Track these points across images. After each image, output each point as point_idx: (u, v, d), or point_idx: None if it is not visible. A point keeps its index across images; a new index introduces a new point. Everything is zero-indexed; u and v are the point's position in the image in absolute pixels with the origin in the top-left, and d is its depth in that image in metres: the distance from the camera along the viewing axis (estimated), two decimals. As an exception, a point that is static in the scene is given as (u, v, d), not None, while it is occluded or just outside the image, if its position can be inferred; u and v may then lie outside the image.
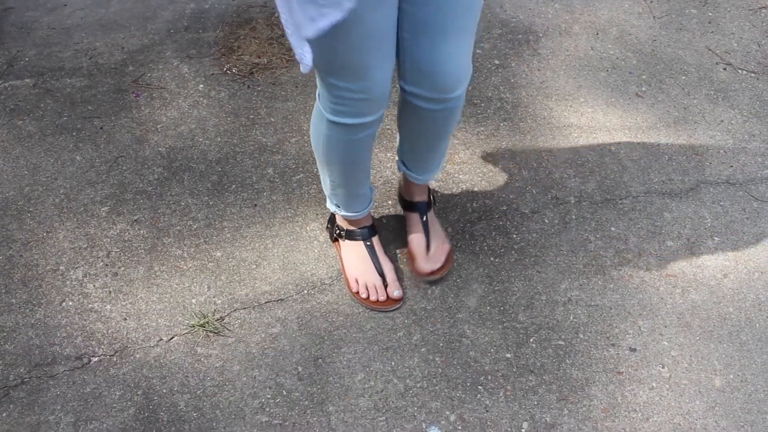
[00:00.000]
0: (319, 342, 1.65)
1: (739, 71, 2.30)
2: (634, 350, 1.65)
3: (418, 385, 1.59)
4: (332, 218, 1.79)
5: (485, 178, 1.97)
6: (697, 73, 2.28)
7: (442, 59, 1.36)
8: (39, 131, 2.08)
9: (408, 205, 1.77)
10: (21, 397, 1.56)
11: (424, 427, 1.53)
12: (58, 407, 1.55)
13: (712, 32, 2.43)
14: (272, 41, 2.35)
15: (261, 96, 2.18)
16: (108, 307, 1.71)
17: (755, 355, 1.65)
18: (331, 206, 1.71)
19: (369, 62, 1.30)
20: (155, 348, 1.64)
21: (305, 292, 1.73)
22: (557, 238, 1.85)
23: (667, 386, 1.59)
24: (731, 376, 1.61)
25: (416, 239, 1.75)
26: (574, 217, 1.89)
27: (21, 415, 1.53)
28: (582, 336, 1.67)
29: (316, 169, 1.97)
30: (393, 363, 1.62)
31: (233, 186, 1.94)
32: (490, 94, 2.19)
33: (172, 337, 1.66)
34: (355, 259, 1.72)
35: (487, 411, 1.55)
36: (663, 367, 1.62)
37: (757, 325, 1.70)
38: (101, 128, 2.09)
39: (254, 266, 1.78)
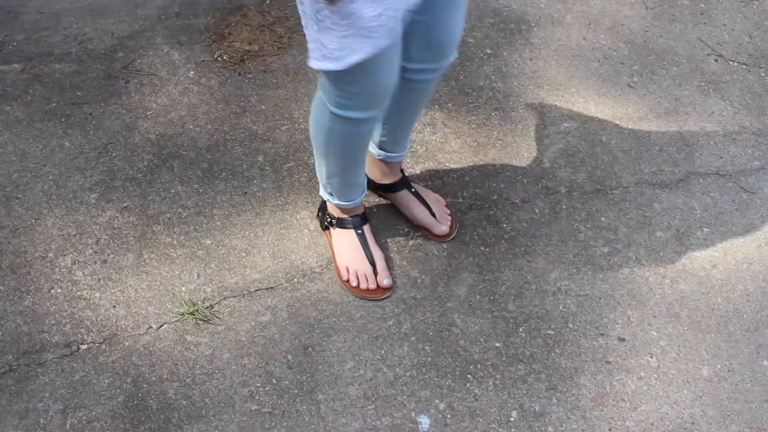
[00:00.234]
0: (308, 330, 1.65)
1: (731, 63, 2.30)
2: (623, 340, 1.66)
3: (408, 373, 1.59)
4: (323, 206, 1.78)
5: (476, 167, 1.97)
6: (689, 64, 2.28)
7: (456, 29, 1.40)
8: (27, 117, 2.06)
9: (392, 187, 1.79)
10: (9, 384, 1.55)
11: (413, 415, 1.53)
12: (47, 395, 1.54)
13: (704, 23, 2.43)
14: (263, 28, 2.34)
15: (252, 83, 2.17)
16: (97, 294, 1.70)
17: (742, 345, 1.66)
18: (324, 194, 1.70)
19: (382, 63, 1.29)
20: (144, 336, 1.63)
21: (295, 280, 1.73)
22: (547, 228, 1.85)
23: (656, 376, 1.60)
24: (719, 366, 1.62)
25: (419, 212, 1.79)
26: (564, 207, 1.90)
27: (9, 403, 1.53)
28: (571, 326, 1.68)
29: (307, 157, 1.97)
30: (383, 352, 1.62)
31: (223, 173, 1.94)
32: (481, 84, 2.18)
33: (162, 325, 1.65)
34: (347, 248, 1.72)
35: (476, 400, 1.55)
36: (651, 357, 1.63)
37: (745, 315, 1.71)
38: (90, 114, 2.07)
39: (244, 254, 1.77)
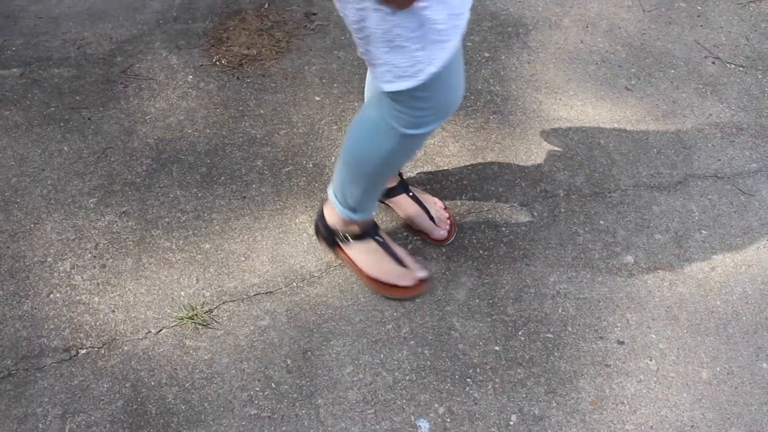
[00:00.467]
0: (308, 335, 1.65)
1: (728, 65, 2.30)
2: (622, 343, 1.66)
3: (407, 377, 1.59)
4: (325, 225, 1.70)
5: (474, 170, 1.97)
6: (686, 66, 2.29)
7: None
8: (26, 122, 2.06)
9: (390, 191, 1.79)
10: (8, 389, 1.55)
11: (412, 419, 1.53)
12: (46, 399, 1.54)
13: (701, 26, 2.43)
14: (261, 32, 2.34)
15: (250, 87, 2.17)
16: (96, 299, 1.70)
17: (742, 348, 1.66)
18: (344, 213, 1.61)
19: (454, 67, 1.25)
20: (143, 340, 1.63)
21: (294, 284, 1.73)
22: (546, 231, 1.85)
23: (655, 379, 1.60)
24: (718, 369, 1.62)
25: (417, 216, 1.78)
26: (562, 210, 1.90)
27: (8, 408, 1.53)
28: (570, 329, 1.68)
29: (305, 161, 1.97)
30: (382, 356, 1.62)
31: (222, 178, 1.94)
32: (479, 87, 2.19)
33: (161, 330, 1.65)
34: (372, 258, 1.69)
35: (475, 404, 1.55)
36: (650, 360, 1.63)
37: (744, 318, 1.71)
38: (89, 119, 2.07)
39: (243, 258, 1.77)
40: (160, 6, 2.44)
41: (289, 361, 1.61)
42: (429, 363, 1.61)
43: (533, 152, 2.02)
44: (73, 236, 1.81)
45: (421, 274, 1.69)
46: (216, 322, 1.66)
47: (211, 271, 1.75)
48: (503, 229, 1.85)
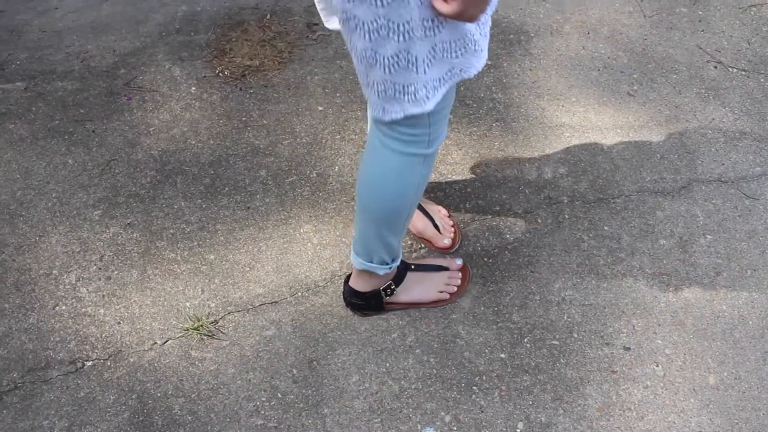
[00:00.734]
0: (313, 344, 1.65)
1: (730, 69, 2.30)
2: (628, 349, 1.65)
3: (413, 386, 1.59)
4: (364, 298, 1.64)
5: (478, 178, 1.98)
6: (688, 71, 2.29)
7: None
8: (31, 135, 2.07)
9: None
10: (14, 402, 1.55)
11: (419, 428, 1.53)
12: (52, 412, 1.54)
13: (703, 30, 2.43)
14: (264, 43, 2.35)
15: (253, 98, 2.18)
16: (101, 311, 1.70)
17: (749, 352, 1.65)
18: (386, 269, 1.55)
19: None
20: (149, 352, 1.63)
21: (299, 294, 1.73)
22: (550, 237, 1.85)
23: (662, 384, 1.60)
24: (725, 374, 1.62)
25: (422, 224, 1.79)
26: (567, 216, 1.90)
27: (14, 421, 1.53)
28: (576, 335, 1.67)
29: (309, 170, 1.97)
30: (388, 364, 1.62)
31: (226, 189, 1.94)
32: (482, 95, 2.19)
33: (166, 341, 1.65)
34: (422, 286, 1.67)
35: (482, 411, 1.55)
36: (657, 366, 1.63)
37: (750, 322, 1.70)
38: (93, 131, 2.08)
39: (248, 269, 1.78)
40: (163, 18, 2.45)
41: (294, 371, 1.61)
42: (435, 371, 1.61)
43: (536, 159, 2.02)
44: (78, 248, 1.81)
45: (459, 263, 1.73)
46: (221, 332, 1.67)
47: (216, 282, 1.75)
48: (508, 236, 1.85)
